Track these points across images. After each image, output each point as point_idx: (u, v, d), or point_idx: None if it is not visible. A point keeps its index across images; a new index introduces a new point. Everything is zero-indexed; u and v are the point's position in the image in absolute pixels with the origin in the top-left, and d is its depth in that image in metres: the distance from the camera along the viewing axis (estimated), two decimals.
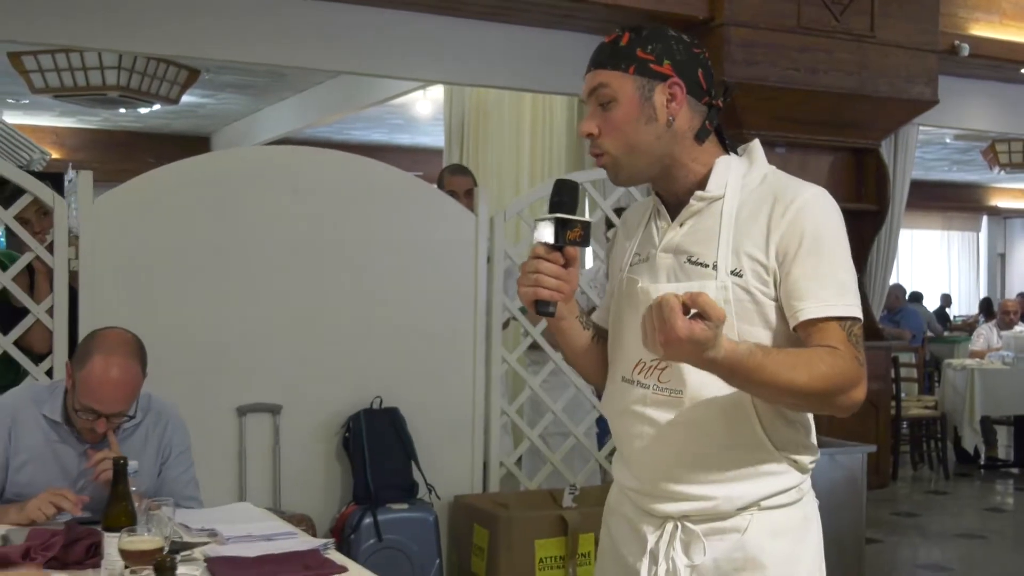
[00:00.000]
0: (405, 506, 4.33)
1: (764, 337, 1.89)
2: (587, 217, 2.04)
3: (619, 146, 1.95)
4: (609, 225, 5.16)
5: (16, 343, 4.02)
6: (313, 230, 4.39)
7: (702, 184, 1.96)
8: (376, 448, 4.32)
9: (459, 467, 4.64)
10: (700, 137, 1.96)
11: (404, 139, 12.11)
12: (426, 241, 4.58)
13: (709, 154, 1.98)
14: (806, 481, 1.99)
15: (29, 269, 4.17)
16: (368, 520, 4.18)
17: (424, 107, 9.30)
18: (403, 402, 4.48)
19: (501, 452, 4.78)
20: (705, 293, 1.68)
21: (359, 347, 4.45)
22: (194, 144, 11.45)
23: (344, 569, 2.53)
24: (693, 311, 1.66)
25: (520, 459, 5.04)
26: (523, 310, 4.75)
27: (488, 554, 4.30)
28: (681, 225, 1.97)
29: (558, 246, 1.94)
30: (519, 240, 5.29)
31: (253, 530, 2.81)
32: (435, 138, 10.05)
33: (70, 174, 4.62)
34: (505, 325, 4.89)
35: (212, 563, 2.46)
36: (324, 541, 2.72)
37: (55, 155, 10.20)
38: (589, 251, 5.47)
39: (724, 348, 1.71)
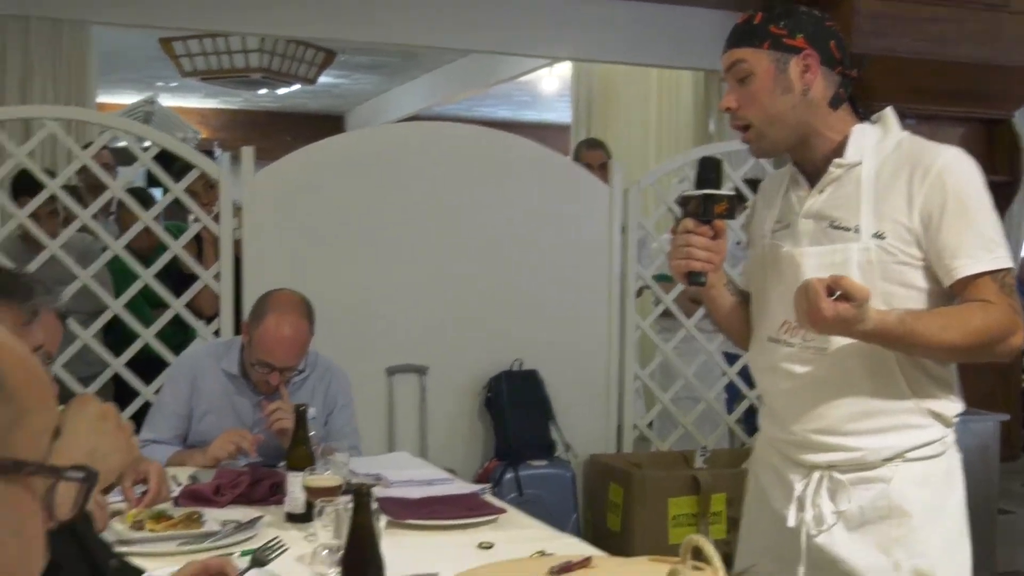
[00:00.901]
0: (544, 463, 4.56)
1: (908, 296, 2.01)
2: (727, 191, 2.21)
3: (759, 117, 2.10)
4: (740, 198, 5.27)
5: (186, 306, 4.35)
6: (455, 202, 4.62)
7: (839, 152, 2.10)
8: (517, 408, 4.55)
9: (594, 428, 4.84)
10: (834, 104, 2.09)
11: (530, 115, 12.30)
12: (562, 212, 4.77)
13: (844, 122, 2.11)
14: (950, 435, 2.10)
15: (197, 238, 4.51)
16: (510, 475, 4.42)
17: (550, 83, 9.47)
18: (542, 365, 4.69)
19: (634, 415, 4.96)
20: (847, 276, 1.83)
21: (501, 313, 4.67)
22: (329, 123, 11.83)
23: (502, 511, 2.74)
24: (837, 292, 1.81)
25: (652, 422, 5.21)
26: (658, 278, 4.90)
27: (623, 510, 4.49)
28: (821, 192, 2.11)
29: (706, 220, 2.09)
30: (650, 211, 5.44)
31: (413, 476, 3.05)
32: (560, 114, 10.20)
33: (217, 152, 4.93)
34: (639, 293, 5.06)
35: (382, 503, 2.69)
36: (481, 487, 2.94)
37: (202, 134, 10.69)
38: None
39: (873, 320, 1.85)
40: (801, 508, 2.12)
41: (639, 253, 4.92)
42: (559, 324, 4.77)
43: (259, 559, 1.97)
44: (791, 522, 2.12)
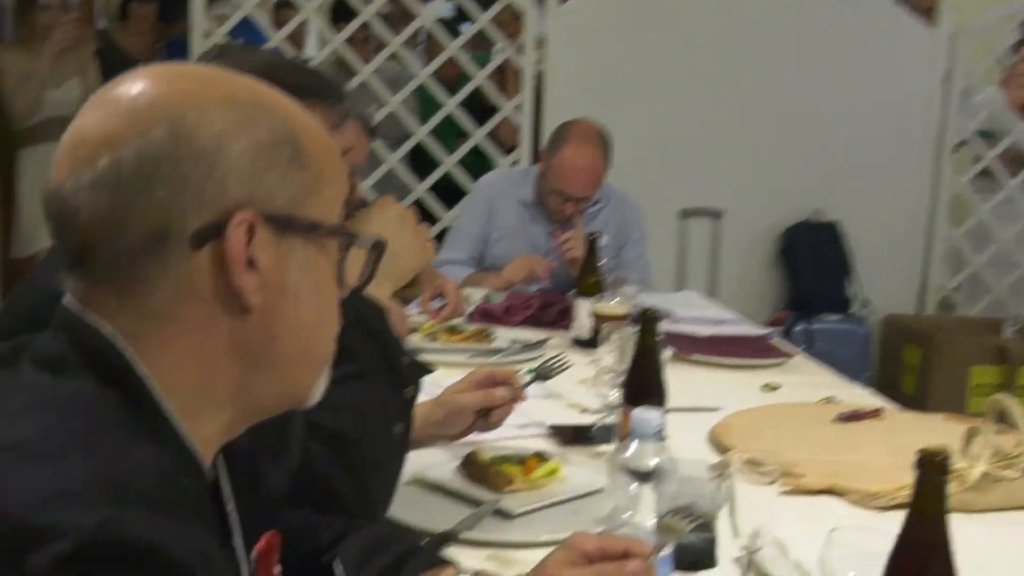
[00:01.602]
0: (838, 318, 4.41)
1: None
2: None
3: None
4: None
5: (487, 136, 4.42)
6: (760, 43, 4.42)
7: None
8: (813, 259, 4.39)
9: (895, 287, 4.61)
10: None
11: None
12: (878, 56, 4.47)
13: None
14: None
15: (500, 70, 4.54)
16: (800, 327, 4.30)
17: None
18: (844, 217, 4.49)
19: (941, 277, 4.68)
20: None
21: (803, 160, 4.48)
22: None
23: (790, 355, 2.67)
24: None
25: (959, 286, 4.91)
26: (981, 134, 4.55)
27: (919, 374, 4.29)
28: None
29: None
30: (980, 59, 4.99)
31: (702, 314, 3.01)
32: None
33: None
34: (956, 148, 4.71)
35: (669, 337, 2.67)
36: (770, 330, 2.87)
37: None
38: None
39: None
40: None
41: (962, 105, 4.55)
42: (866, 176, 4.52)
43: (543, 372, 1.99)
44: None
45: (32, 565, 0.66)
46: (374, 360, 1.45)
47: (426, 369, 1.59)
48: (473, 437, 1.89)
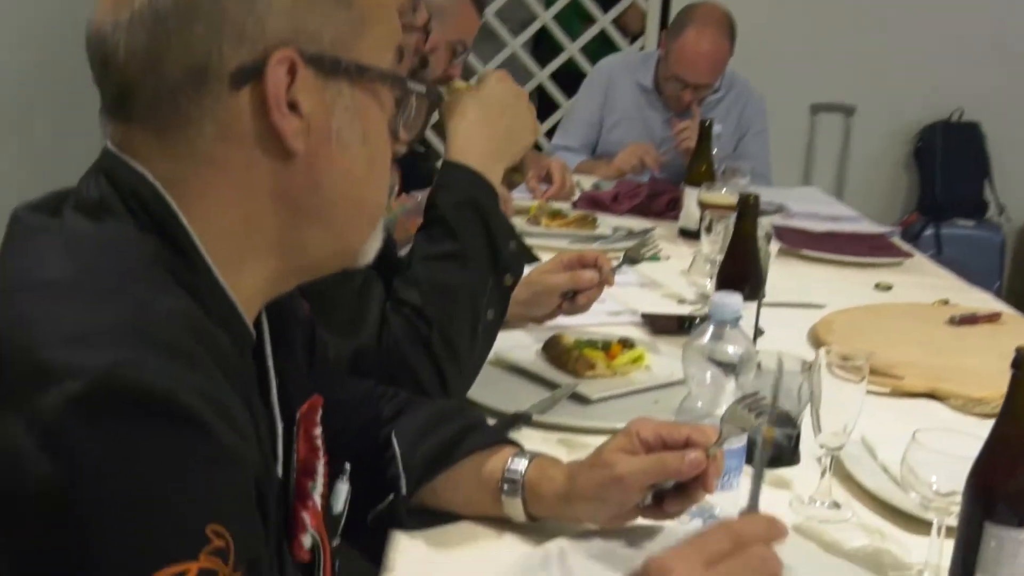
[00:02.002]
0: (971, 223, 4.20)
1: None
2: None
3: None
4: None
5: (613, 22, 4.29)
6: None
7: None
8: (950, 161, 4.18)
9: None
10: None
11: None
12: None
13: None
14: None
15: None
16: (930, 231, 4.11)
17: None
18: (986, 119, 4.25)
19: None
20: None
21: (945, 55, 4.22)
22: None
23: (909, 255, 2.54)
24: None
25: None
26: None
27: None
28: None
29: None
30: None
31: (820, 210, 2.89)
32: None
33: None
34: None
35: (779, 231, 2.57)
36: (890, 228, 2.73)
37: None
38: None
39: None
40: None
41: None
42: (1015, 75, 4.24)
43: (632, 256, 1.92)
44: None
45: (44, 403, 0.65)
46: (477, 242, 1.41)
47: (532, 257, 1.55)
48: (561, 321, 1.85)
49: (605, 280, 1.74)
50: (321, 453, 0.99)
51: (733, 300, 1.22)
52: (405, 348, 1.37)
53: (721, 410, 1.18)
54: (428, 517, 1.19)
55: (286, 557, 0.90)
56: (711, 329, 1.22)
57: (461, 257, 1.39)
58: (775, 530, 0.82)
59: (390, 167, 0.90)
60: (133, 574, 0.64)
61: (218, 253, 0.81)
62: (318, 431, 0.97)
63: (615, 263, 1.79)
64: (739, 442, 1.18)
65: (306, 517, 0.93)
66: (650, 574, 0.78)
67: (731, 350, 1.21)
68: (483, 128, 1.45)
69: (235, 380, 0.77)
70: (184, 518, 0.67)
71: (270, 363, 0.91)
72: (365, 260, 0.93)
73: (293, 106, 0.79)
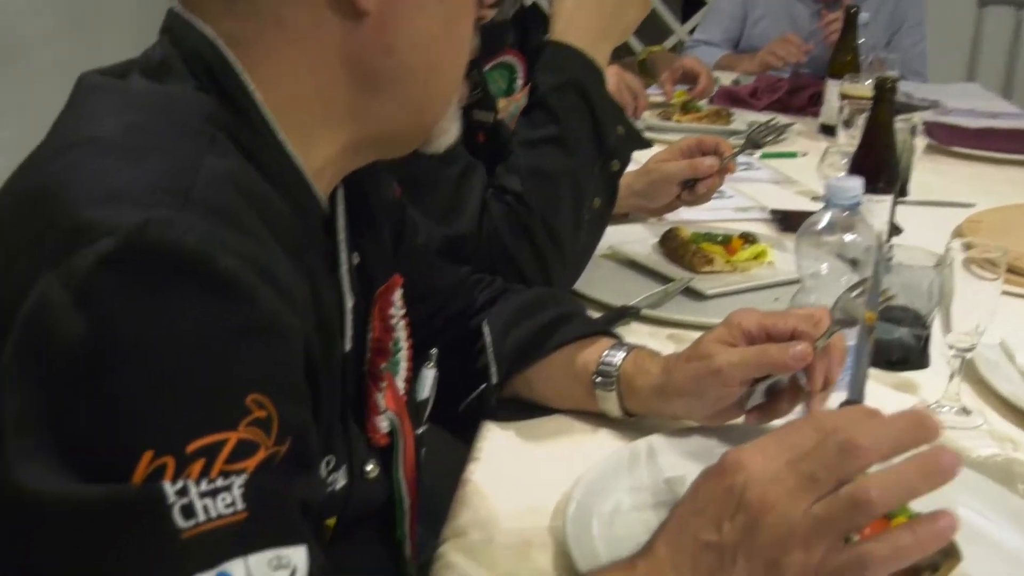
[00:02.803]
0: None
1: None
2: None
3: None
4: None
5: None
6: None
7: None
8: None
9: None
10: None
11: None
12: None
13: None
14: None
15: None
16: None
17: None
18: None
19: None
20: None
21: None
22: None
23: None
24: None
25: None
26: None
27: None
28: None
29: None
30: None
31: (978, 107, 2.69)
32: None
33: None
34: None
35: (930, 127, 2.40)
36: None
37: None
38: None
39: None
40: None
41: None
42: None
43: (754, 139, 1.81)
44: None
45: (79, 262, 0.62)
46: (580, 125, 1.34)
47: (643, 142, 1.46)
48: (683, 216, 1.76)
49: (726, 167, 1.64)
50: (397, 334, 0.95)
51: (852, 183, 1.11)
52: (505, 236, 1.31)
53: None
54: (522, 410, 1.14)
55: (356, 436, 0.86)
56: (827, 216, 1.12)
57: (563, 141, 1.32)
58: (872, 419, 0.72)
59: (471, 33, 0.84)
60: (167, 443, 0.60)
61: (285, 119, 0.76)
62: (394, 311, 0.93)
63: (736, 149, 1.68)
64: (849, 339, 1.09)
65: (380, 399, 0.90)
66: (725, 469, 0.71)
67: (848, 239, 1.11)
68: (588, 5, 1.36)
69: (293, 247, 0.72)
70: (222, 385, 0.62)
71: (341, 236, 0.86)
72: (444, 140, 0.88)
73: None
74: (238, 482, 0.61)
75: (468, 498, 0.99)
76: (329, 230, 0.86)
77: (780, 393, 1.04)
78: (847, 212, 1.11)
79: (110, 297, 0.61)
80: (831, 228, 1.12)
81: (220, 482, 0.60)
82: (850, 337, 1.07)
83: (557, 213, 1.33)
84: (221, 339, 0.63)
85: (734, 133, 2.33)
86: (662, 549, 0.72)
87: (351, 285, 0.86)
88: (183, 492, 0.59)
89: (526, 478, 1.04)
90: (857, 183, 1.11)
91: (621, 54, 2.71)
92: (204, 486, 0.60)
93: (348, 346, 0.85)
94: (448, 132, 0.88)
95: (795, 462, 0.68)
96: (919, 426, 0.67)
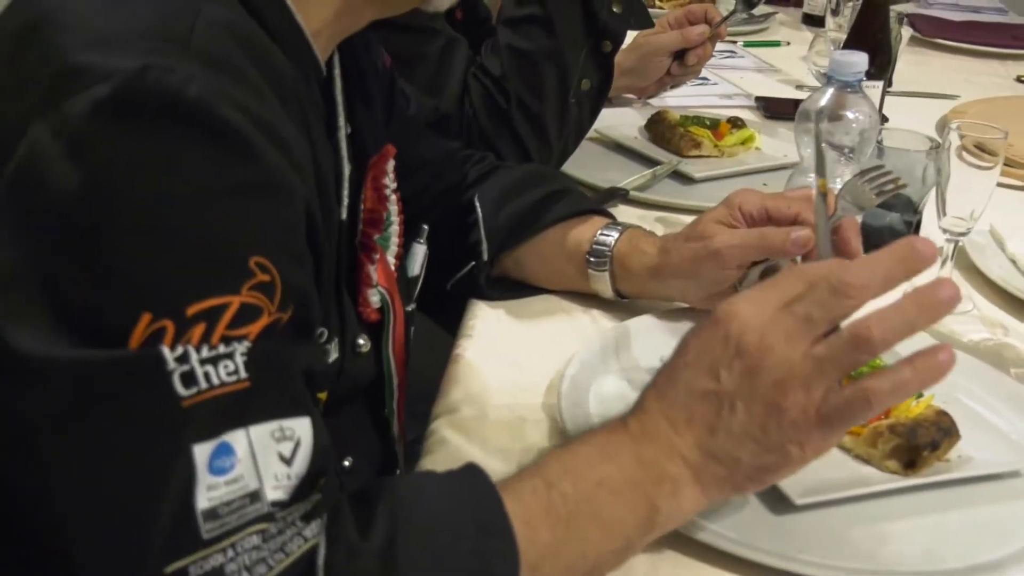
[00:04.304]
0: None
1: None
2: None
3: None
4: None
5: None
6: None
7: None
8: None
9: None
10: None
11: None
12: None
13: None
14: None
15: None
16: None
17: None
18: None
19: None
20: None
21: None
22: None
23: None
24: None
25: None
26: None
27: None
28: None
29: None
30: None
31: (962, 1, 2.66)
32: None
33: None
34: None
35: (913, 18, 2.37)
36: None
37: None
38: None
39: None
40: None
41: None
42: None
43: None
44: None
45: (72, 109, 0.57)
46: (566, 3, 1.27)
47: (644, 20, 1.41)
48: (670, 101, 1.73)
49: (717, 33, 1.60)
50: (390, 205, 0.92)
51: (856, 58, 1.09)
52: (483, 120, 1.27)
53: (837, 185, 1.06)
54: (512, 289, 1.12)
55: (348, 309, 0.84)
56: (829, 92, 1.09)
57: (546, 21, 1.26)
58: (851, 263, 0.70)
59: None
60: (165, 305, 0.56)
61: None
62: (387, 181, 0.90)
63: (726, 14, 1.64)
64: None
65: (372, 271, 0.87)
66: (718, 320, 0.69)
67: (851, 115, 1.09)
68: None
69: (294, 106, 0.69)
70: (224, 246, 0.59)
71: (339, 99, 0.83)
72: (435, 4, 0.83)
73: None
74: (240, 349, 0.58)
75: (459, 374, 0.98)
76: (327, 95, 0.82)
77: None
78: (849, 90, 1.09)
79: (105, 147, 0.57)
80: (831, 104, 1.10)
81: (222, 348, 0.57)
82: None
83: (539, 97, 1.28)
84: (224, 195, 0.59)
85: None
86: (653, 404, 0.70)
87: (351, 154, 0.83)
88: (183, 359, 0.56)
89: (518, 355, 1.02)
90: (862, 58, 1.09)
91: None
92: (205, 352, 0.57)
93: (344, 215, 0.82)
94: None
95: (789, 306, 0.66)
96: (910, 256, 0.65)
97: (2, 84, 0.64)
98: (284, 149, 0.63)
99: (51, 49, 0.61)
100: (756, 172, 1.46)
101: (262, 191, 0.61)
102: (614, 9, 1.29)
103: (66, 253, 0.57)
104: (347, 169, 0.82)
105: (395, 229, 0.93)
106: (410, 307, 0.97)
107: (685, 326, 1.02)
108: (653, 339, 1.00)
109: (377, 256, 0.87)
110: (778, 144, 1.54)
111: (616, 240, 1.06)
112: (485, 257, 1.08)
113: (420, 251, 0.98)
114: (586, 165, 1.43)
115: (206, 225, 0.58)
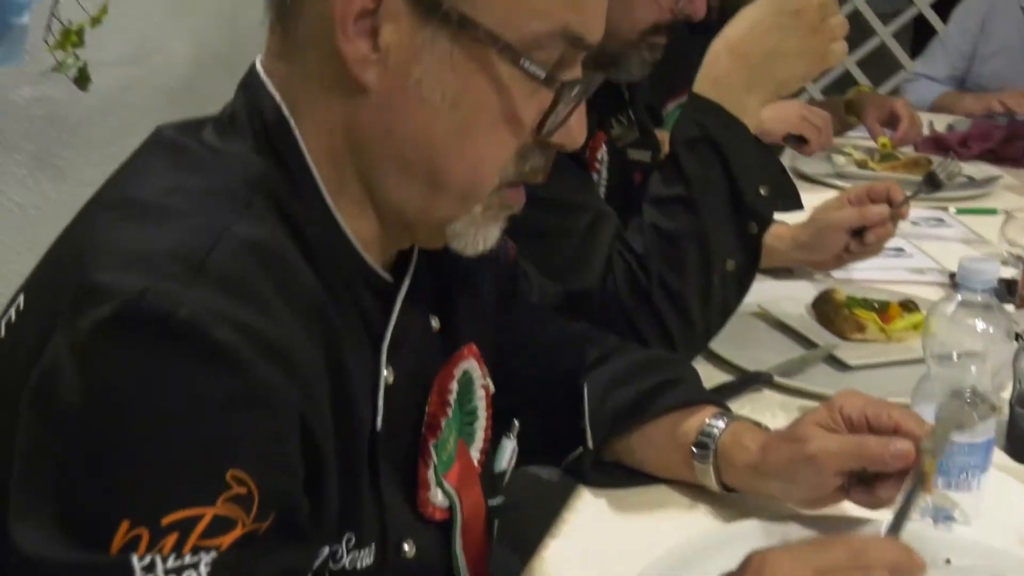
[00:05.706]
0: None
1: None
2: None
3: None
4: None
5: None
6: None
7: None
8: None
9: None
10: None
11: None
12: None
13: None
14: None
15: None
16: None
17: None
18: None
19: None
20: None
21: None
22: None
23: None
24: None
25: None
26: None
27: None
28: None
29: None
30: None
31: None
32: None
33: None
34: None
35: None
36: None
37: None
38: None
39: None
40: None
41: None
42: None
43: (932, 180, 1.68)
44: None
45: (81, 324, 0.64)
46: (712, 185, 1.27)
47: (794, 202, 1.38)
48: (853, 275, 1.68)
49: (898, 213, 1.55)
50: (477, 400, 0.93)
51: (987, 266, 1.03)
52: (625, 299, 1.27)
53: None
54: (623, 477, 1.11)
55: (392, 513, 0.82)
56: (957, 299, 1.04)
57: (691, 201, 1.26)
58: (907, 562, 0.68)
59: (503, 150, 0.78)
60: (143, 514, 0.61)
61: (325, 176, 0.77)
62: (452, 385, 0.89)
63: (909, 194, 1.59)
64: (984, 434, 1.01)
65: (429, 475, 0.87)
66: (750, 568, 0.68)
67: (979, 326, 1.03)
68: (735, 51, 1.26)
69: (315, 322, 0.72)
70: (201, 459, 0.63)
71: (396, 308, 0.83)
72: (469, 245, 0.83)
73: (374, 33, 0.73)
74: (206, 559, 0.62)
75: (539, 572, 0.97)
76: (386, 301, 0.83)
77: (879, 477, 0.94)
78: (980, 298, 1.03)
79: (101, 363, 0.63)
80: (962, 312, 1.04)
81: (188, 559, 0.61)
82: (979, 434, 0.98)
83: (680, 276, 1.27)
84: (205, 411, 0.63)
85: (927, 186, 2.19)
86: None
87: (389, 359, 0.82)
88: (150, 568, 0.61)
89: (606, 552, 1.01)
90: (992, 267, 1.03)
91: (845, 89, 2.61)
92: (171, 562, 0.61)
93: (379, 422, 0.81)
94: (467, 236, 0.83)
95: (824, 574, 0.67)
96: None
97: (42, 287, 0.72)
98: (283, 364, 0.66)
99: (81, 266, 0.68)
100: (918, 362, 1.37)
101: (247, 405, 0.65)
102: (761, 191, 1.27)
103: (66, 460, 0.63)
104: (383, 376, 0.81)
105: (481, 423, 0.95)
106: (495, 501, 0.97)
107: (789, 531, 1.00)
108: (749, 546, 0.97)
109: (432, 460, 0.87)
110: (955, 331, 1.45)
111: (721, 432, 1.05)
112: (590, 445, 1.08)
113: (508, 446, 0.99)
114: (738, 343, 1.40)
115: (187, 439, 0.63)
